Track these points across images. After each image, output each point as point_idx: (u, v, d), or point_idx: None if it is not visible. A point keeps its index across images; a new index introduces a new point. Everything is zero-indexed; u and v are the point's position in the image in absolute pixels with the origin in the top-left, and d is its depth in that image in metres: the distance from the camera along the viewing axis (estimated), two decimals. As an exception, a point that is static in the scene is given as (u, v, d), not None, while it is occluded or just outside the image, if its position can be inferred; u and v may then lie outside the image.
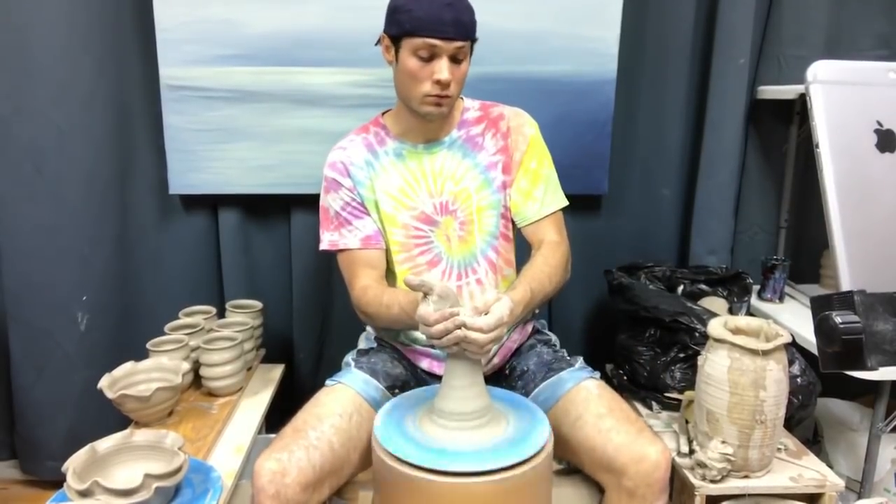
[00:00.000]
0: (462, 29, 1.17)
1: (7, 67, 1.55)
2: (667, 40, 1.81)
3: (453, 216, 1.32)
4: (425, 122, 1.28)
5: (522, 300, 1.13)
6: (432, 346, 1.32)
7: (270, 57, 1.65)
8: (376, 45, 1.27)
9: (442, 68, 1.17)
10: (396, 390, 1.27)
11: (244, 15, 1.63)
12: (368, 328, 1.45)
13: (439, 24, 1.14)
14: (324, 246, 1.33)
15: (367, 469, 1.20)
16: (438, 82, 1.18)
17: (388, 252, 1.33)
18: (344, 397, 1.22)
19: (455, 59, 1.19)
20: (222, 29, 1.63)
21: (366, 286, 1.26)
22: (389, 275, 1.35)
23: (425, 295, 1.02)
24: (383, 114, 1.37)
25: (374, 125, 1.36)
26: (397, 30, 1.19)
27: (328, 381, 1.28)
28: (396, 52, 1.21)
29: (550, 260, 1.26)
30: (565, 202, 1.38)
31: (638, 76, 1.82)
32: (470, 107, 1.36)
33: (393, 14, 1.20)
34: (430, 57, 1.18)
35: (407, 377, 1.33)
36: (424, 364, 1.35)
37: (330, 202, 1.33)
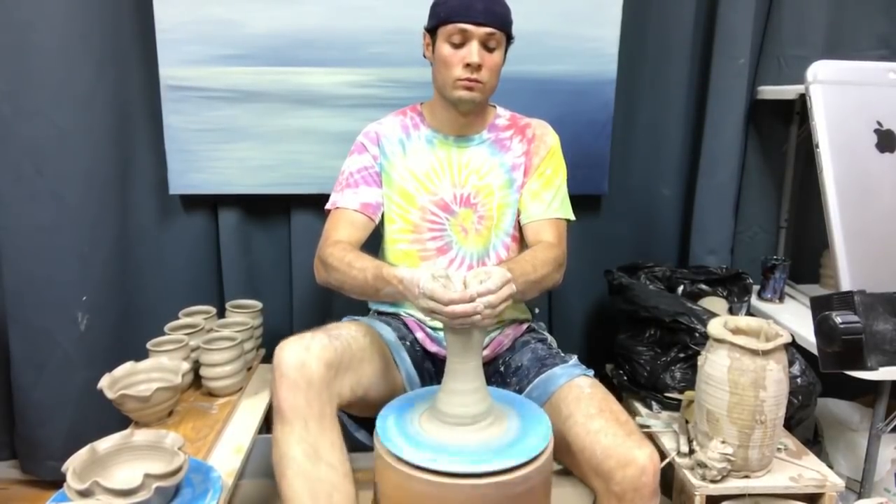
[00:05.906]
0: (492, 16, 1.24)
1: (7, 67, 1.54)
2: (667, 40, 1.81)
3: (473, 209, 1.36)
4: (458, 114, 1.33)
5: None
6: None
7: (270, 57, 1.65)
8: (425, 56, 1.34)
9: (472, 52, 1.23)
10: (404, 341, 1.32)
11: (244, 15, 1.63)
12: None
13: (470, 9, 1.23)
14: (327, 206, 1.37)
15: (384, 391, 1.24)
16: (469, 65, 1.24)
17: (389, 227, 1.36)
18: (356, 324, 1.28)
19: (487, 48, 1.25)
20: (222, 29, 1.63)
21: (339, 241, 1.28)
22: (382, 252, 1.40)
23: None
24: (421, 104, 1.42)
25: (411, 110, 1.42)
26: (434, 21, 1.27)
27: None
28: (434, 45, 1.28)
29: (538, 254, 1.27)
30: (571, 216, 1.40)
31: (638, 76, 1.83)
32: (501, 114, 1.42)
33: (432, 9, 1.29)
34: (462, 43, 1.24)
35: (410, 336, 1.36)
36: (419, 336, 1.37)
37: (349, 164, 1.38)
